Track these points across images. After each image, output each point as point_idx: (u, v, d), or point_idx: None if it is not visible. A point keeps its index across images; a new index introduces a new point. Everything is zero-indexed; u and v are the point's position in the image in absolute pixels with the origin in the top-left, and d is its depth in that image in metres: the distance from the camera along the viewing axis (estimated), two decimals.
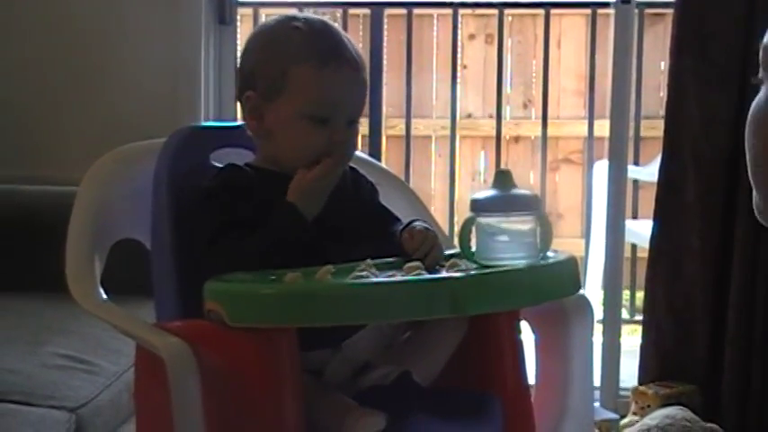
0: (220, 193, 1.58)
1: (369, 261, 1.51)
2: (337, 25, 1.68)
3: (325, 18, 1.70)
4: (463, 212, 4.74)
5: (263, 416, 1.45)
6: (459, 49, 3.49)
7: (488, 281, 1.43)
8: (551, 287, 1.50)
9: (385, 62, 3.37)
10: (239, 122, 1.72)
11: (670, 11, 2.95)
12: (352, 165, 1.69)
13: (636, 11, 3.01)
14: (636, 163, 3.52)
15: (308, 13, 1.71)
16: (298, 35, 1.60)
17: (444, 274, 1.49)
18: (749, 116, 1.08)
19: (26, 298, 2.48)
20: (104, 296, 1.64)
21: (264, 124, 1.63)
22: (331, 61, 1.58)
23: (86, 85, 2.91)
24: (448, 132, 3.64)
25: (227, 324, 1.44)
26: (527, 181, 4.72)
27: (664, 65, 3.98)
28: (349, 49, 1.61)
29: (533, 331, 1.71)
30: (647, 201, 3.19)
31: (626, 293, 3.57)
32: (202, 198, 1.59)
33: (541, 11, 3.62)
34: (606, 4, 3.13)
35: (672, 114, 2.82)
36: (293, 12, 1.71)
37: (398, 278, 1.46)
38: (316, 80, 1.58)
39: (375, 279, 1.45)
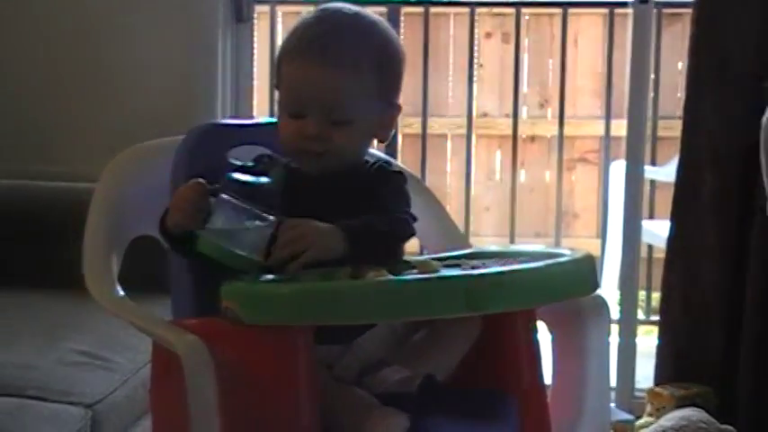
0: None
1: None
2: (348, 16, 1.61)
3: (353, 9, 1.63)
4: (479, 212, 4.73)
5: (278, 413, 1.45)
6: (475, 48, 3.49)
7: (504, 279, 1.42)
8: (568, 285, 1.49)
9: None
10: (257, 120, 1.73)
11: (687, 11, 2.94)
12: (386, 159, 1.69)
13: (654, 10, 3.00)
14: (652, 163, 3.51)
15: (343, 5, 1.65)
16: (294, 29, 1.63)
17: (460, 272, 1.49)
18: (763, 124, 1.08)
19: (43, 294, 2.49)
20: (121, 293, 1.65)
21: None
22: (301, 56, 1.58)
23: (102, 81, 2.92)
24: (464, 131, 3.64)
25: (242, 322, 1.45)
26: (543, 180, 4.72)
27: (681, 65, 3.97)
28: (329, 45, 1.56)
29: (549, 331, 1.71)
30: (663, 201, 3.18)
31: (641, 294, 3.55)
32: None
33: (558, 10, 3.61)
34: (624, 4, 3.12)
35: (689, 114, 2.81)
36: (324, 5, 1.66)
37: (413, 276, 1.46)
38: (288, 74, 1.60)
39: (390, 278, 1.44)
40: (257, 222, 1.48)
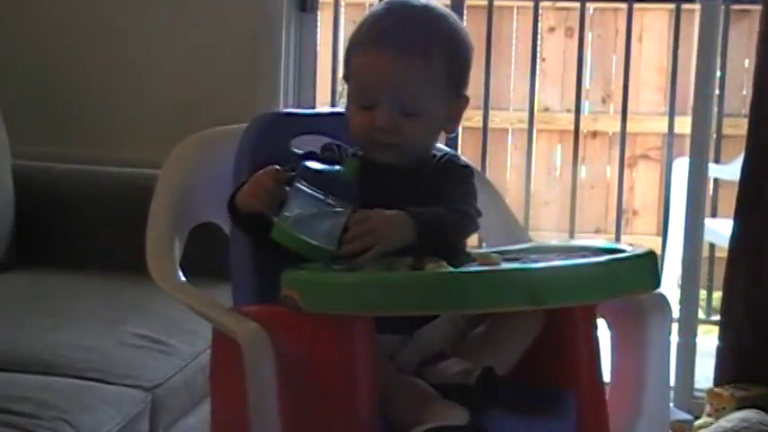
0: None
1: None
2: (417, 8, 1.63)
3: (421, 2, 1.65)
4: (539, 206, 4.70)
5: (337, 402, 1.46)
6: (538, 42, 3.46)
7: (566, 273, 1.41)
8: (630, 281, 1.48)
9: None
10: (321, 109, 1.73)
11: (756, 7, 2.89)
12: (453, 153, 1.72)
13: (722, 7, 2.95)
14: (716, 161, 3.47)
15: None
16: (363, 21, 1.64)
17: (521, 265, 1.48)
18: None
19: (106, 278, 2.51)
20: (183, 279, 1.66)
21: None
22: (373, 47, 1.59)
23: (167, 68, 2.95)
24: (525, 125, 3.62)
25: (303, 310, 1.45)
26: (603, 176, 4.68)
27: (747, 62, 3.91)
28: (400, 35, 1.58)
29: (610, 328, 1.69)
30: (726, 200, 3.14)
31: (702, 293, 3.51)
32: None
33: (624, 5, 3.58)
34: (691, 0, 3.08)
35: (756, 113, 2.77)
36: None
37: (474, 269, 1.45)
38: (359, 66, 1.61)
39: (452, 269, 1.44)
40: (331, 212, 1.48)
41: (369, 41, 1.60)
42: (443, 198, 1.58)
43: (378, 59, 1.58)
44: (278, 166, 1.54)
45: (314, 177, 1.50)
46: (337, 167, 1.53)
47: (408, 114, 1.59)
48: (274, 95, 2.90)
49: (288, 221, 1.48)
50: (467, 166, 1.68)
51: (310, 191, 1.49)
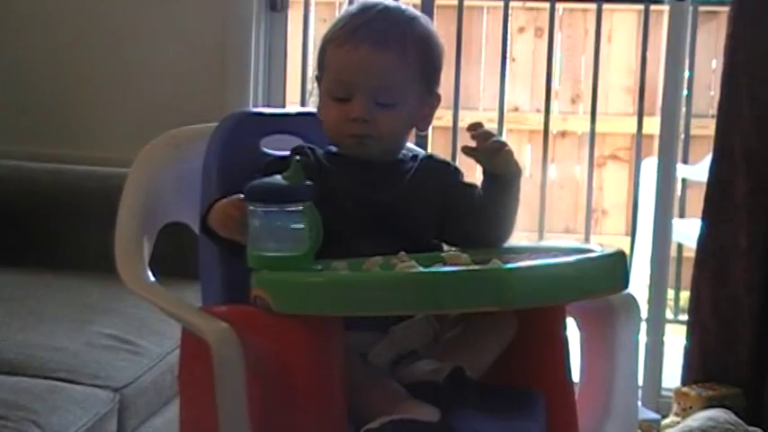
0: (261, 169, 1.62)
1: (402, 254, 1.52)
2: (392, 7, 1.67)
3: (394, 3, 1.69)
4: None
5: (306, 402, 1.45)
6: (508, 42, 3.47)
7: (535, 273, 1.41)
8: (599, 282, 1.48)
9: None
10: (290, 109, 1.74)
11: (722, 9, 2.91)
12: (429, 152, 1.77)
13: (690, 8, 2.97)
14: (685, 161, 3.49)
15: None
16: (338, 19, 1.66)
17: (490, 265, 1.48)
18: None
19: (74, 278, 2.50)
20: (152, 278, 1.66)
21: None
22: (349, 40, 1.61)
23: (137, 67, 2.93)
24: (495, 125, 3.63)
25: (272, 311, 1.45)
26: (573, 176, 4.70)
27: (715, 63, 3.94)
28: (376, 29, 1.62)
29: (579, 328, 1.70)
30: (694, 200, 3.16)
31: (670, 293, 3.53)
32: None
33: (593, 5, 3.59)
34: (659, 1, 3.10)
35: (723, 113, 2.79)
36: None
37: (443, 268, 1.46)
38: (334, 59, 1.64)
39: (422, 269, 1.44)
40: (289, 218, 1.48)
41: (345, 36, 1.62)
42: (468, 195, 1.69)
43: (354, 52, 1.61)
44: (242, 195, 1.53)
45: (262, 194, 1.48)
46: (278, 177, 1.51)
47: (383, 106, 1.62)
48: (244, 95, 2.89)
49: (254, 246, 1.48)
50: (455, 166, 1.75)
51: (264, 208, 1.48)
